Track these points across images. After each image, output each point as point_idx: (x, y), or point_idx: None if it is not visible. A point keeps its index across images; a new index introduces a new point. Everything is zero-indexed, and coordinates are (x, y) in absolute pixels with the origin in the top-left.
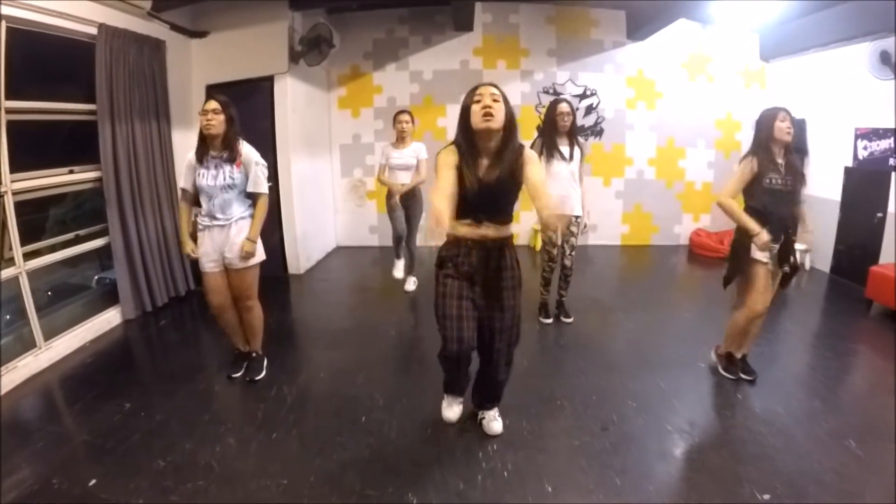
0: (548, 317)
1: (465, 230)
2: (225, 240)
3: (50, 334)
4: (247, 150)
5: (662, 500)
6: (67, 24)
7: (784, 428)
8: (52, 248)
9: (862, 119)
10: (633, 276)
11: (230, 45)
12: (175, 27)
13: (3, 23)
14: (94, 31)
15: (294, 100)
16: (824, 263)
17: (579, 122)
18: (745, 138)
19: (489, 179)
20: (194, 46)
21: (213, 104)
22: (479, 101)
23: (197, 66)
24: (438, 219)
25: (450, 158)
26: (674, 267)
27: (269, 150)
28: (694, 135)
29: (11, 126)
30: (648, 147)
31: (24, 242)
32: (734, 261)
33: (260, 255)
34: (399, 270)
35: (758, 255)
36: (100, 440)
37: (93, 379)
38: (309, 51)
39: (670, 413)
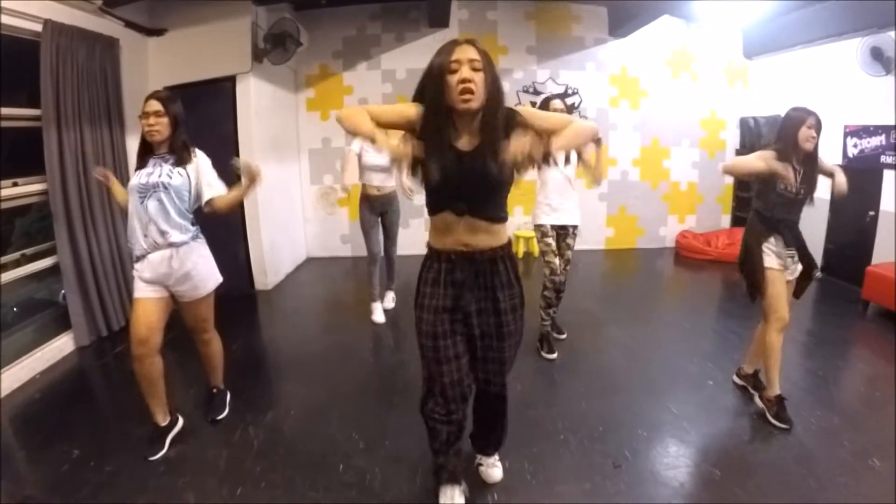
0: (551, 351)
1: (441, 234)
2: (169, 271)
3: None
4: (199, 156)
5: None
6: (9, 20)
7: (806, 452)
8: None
9: (851, 116)
10: (622, 283)
11: (190, 43)
12: (130, 24)
13: None
14: (38, 27)
15: (258, 101)
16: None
17: None
18: (730, 137)
19: (471, 154)
20: (151, 45)
21: (155, 105)
22: (455, 71)
23: (154, 66)
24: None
25: (410, 112)
26: (662, 271)
27: (231, 155)
28: (678, 134)
29: None
30: (632, 147)
31: None
32: (749, 273)
33: (215, 278)
34: (379, 314)
35: (770, 262)
36: (45, 495)
37: (41, 419)
38: (273, 48)
39: (685, 443)
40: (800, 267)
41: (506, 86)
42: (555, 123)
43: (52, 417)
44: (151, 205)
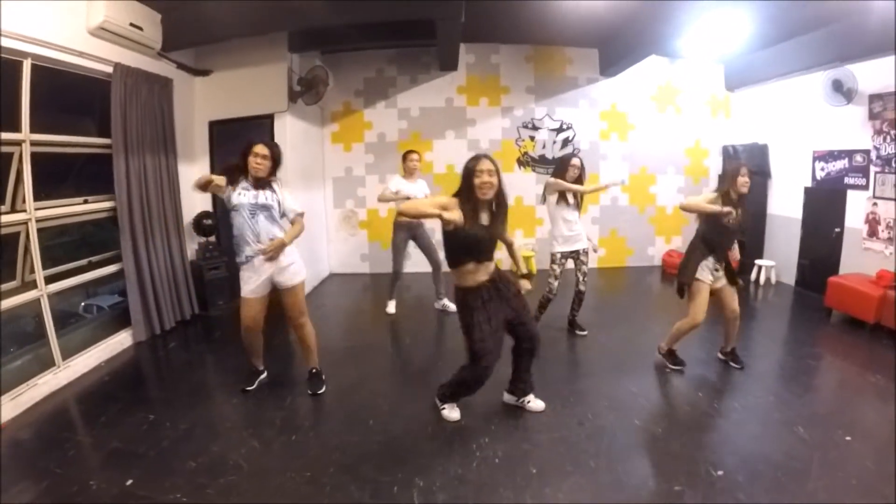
0: None
1: (473, 275)
2: (270, 266)
3: (69, 354)
4: (281, 184)
5: (630, 478)
6: (86, 62)
7: (740, 419)
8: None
9: (819, 142)
10: (610, 296)
11: (232, 83)
12: (181, 66)
13: (29, 60)
14: (109, 69)
15: (293, 136)
16: (789, 277)
17: (556, 153)
18: (713, 164)
19: (489, 230)
20: (198, 84)
21: (263, 149)
22: (479, 176)
23: (200, 102)
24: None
25: (450, 203)
26: (648, 286)
27: None
28: (664, 162)
29: (34, 157)
30: (621, 175)
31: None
32: (682, 275)
33: (304, 272)
34: (391, 308)
35: (703, 275)
36: (131, 446)
37: (113, 395)
38: (306, 91)
39: (638, 410)
40: (724, 280)
41: (507, 122)
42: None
43: (124, 394)
44: (261, 219)
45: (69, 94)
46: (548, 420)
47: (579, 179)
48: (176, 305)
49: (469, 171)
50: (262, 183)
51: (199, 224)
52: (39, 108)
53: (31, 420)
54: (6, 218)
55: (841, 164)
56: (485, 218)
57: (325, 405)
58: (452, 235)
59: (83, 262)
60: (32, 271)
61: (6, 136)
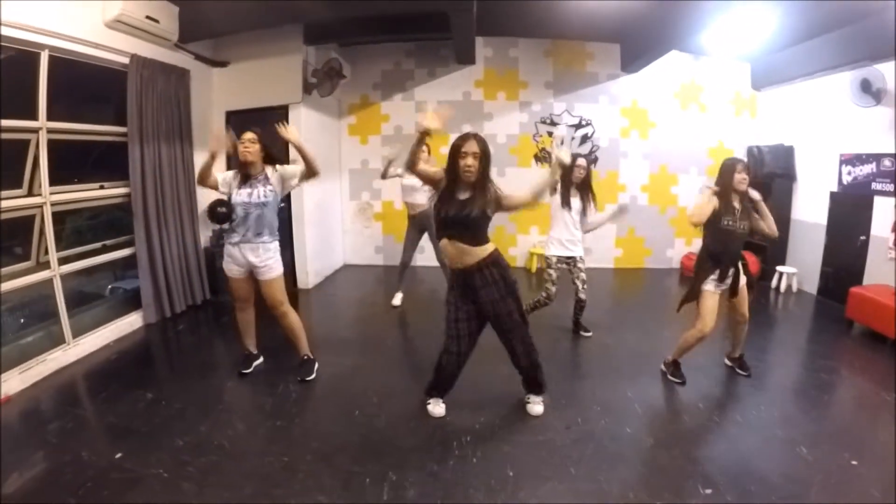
0: None
1: (450, 255)
2: (253, 259)
3: (79, 333)
4: (280, 168)
5: (610, 488)
6: (103, 53)
7: (739, 434)
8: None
9: (846, 145)
10: (623, 298)
11: (249, 74)
12: (199, 57)
13: (47, 51)
14: (126, 60)
15: (307, 127)
16: (811, 285)
17: (575, 150)
18: None
19: (464, 205)
20: (216, 75)
21: (250, 134)
22: (463, 158)
23: (218, 93)
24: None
25: (438, 170)
26: (664, 290)
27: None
28: (686, 162)
29: (52, 144)
30: (641, 174)
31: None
32: (690, 289)
33: (280, 268)
34: (398, 300)
35: (708, 287)
36: (125, 422)
37: (117, 373)
38: (321, 83)
39: (631, 417)
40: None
41: (525, 117)
42: (510, 200)
43: (127, 372)
44: (253, 217)
45: (90, 84)
46: (534, 422)
47: (586, 181)
48: (188, 290)
49: (454, 150)
50: (254, 175)
51: (213, 211)
52: (60, 97)
53: (36, 393)
54: (23, 201)
55: (868, 168)
56: (462, 194)
57: (315, 394)
58: (434, 208)
59: (97, 244)
60: (48, 252)
61: (23, 123)
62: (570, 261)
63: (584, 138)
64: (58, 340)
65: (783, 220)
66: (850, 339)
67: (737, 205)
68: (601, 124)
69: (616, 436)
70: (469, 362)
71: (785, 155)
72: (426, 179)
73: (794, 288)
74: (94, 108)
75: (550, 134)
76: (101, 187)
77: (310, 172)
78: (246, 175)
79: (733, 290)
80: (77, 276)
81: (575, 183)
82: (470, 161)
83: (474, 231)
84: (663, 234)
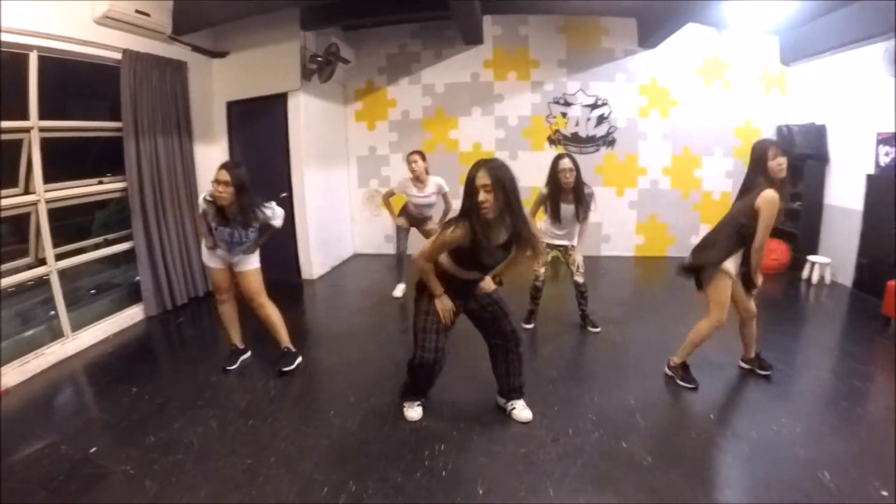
0: (528, 322)
1: (455, 270)
2: (231, 257)
3: (80, 326)
4: (261, 215)
5: None
6: (94, 50)
7: (752, 453)
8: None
9: (883, 123)
10: (641, 289)
11: (248, 63)
12: (196, 48)
13: (35, 52)
14: (118, 56)
15: (307, 115)
16: (846, 277)
17: (591, 132)
18: None
19: (503, 254)
20: (215, 66)
21: (224, 175)
22: (476, 193)
23: (218, 83)
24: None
25: (457, 235)
26: (686, 281)
27: (283, 163)
28: (711, 143)
29: (49, 142)
30: (663, 156)
31: (73, 240)
32: (703, 255)
33: (255, 261)
34: (399, 291)
35: (728, 266)
36: (107, 416)
37: (110, 367)
38: (320, 69)
39: (630, 429)
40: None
41: (537, 97)
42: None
43: (120, 366)
44: (235, 248)
45: (83, 82)
46: (519, 431)
47: (576, 184)
48: (190, 283)
49: (468, 185)
50: (232, 217)
51: None
52: (53, 95)
53: (31, 387)
54: (17, 199)
55: None
56: (502, 237)
57: (294, 391)
58: (464, 249)
59: (99, 239)
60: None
61: (14, 124)
62: (562, 248)
63: (601, 119)
64: (57, 334)
65: (815, 205)
66: (887, 339)
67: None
68: (618, 104)
69: (609, 452)
70: (456, 362)
71: (817, 134)
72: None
73: (828, 279)
74: (93, 104)
75: (564, 115)
76: (100, 182)
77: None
78: (223, 213)
79: (749, 283)
80: (105, 268)
81: (564, 189)
82: (482, 196)
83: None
84: (686, 220)
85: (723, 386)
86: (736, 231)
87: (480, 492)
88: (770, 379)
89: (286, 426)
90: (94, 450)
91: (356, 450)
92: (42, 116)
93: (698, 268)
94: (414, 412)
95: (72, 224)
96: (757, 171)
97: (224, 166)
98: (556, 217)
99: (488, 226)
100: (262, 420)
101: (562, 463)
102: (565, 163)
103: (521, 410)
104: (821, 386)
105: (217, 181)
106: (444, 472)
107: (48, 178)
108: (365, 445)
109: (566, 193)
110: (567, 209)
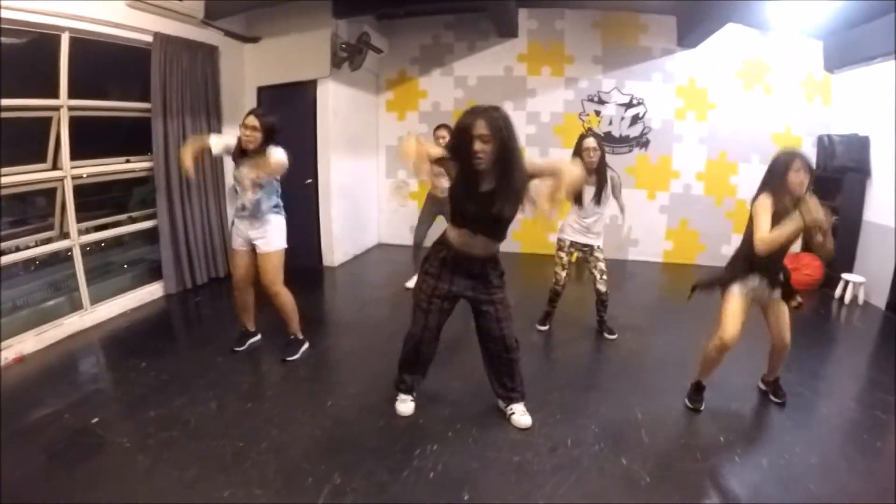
0: (542, 324)
1: (457, 238)
2: (253, 229)
3: (99, 300)
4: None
5: None
6: (126, 33)
7: (760, 485)
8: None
9: None
10: (667, 296)
11: (279, 50)
12: (229, 33)
13: (67, 33)
14: (149, 38)
15: (336, 102)
16: (880, 298)
17: (624, 131)
18: None
19: (490, 202)
20: (247, 51)
21: (253, 120)
22: (471, 143)
23: (249, 68)
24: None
25: (446, 161)
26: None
27: (311, 149)
28: (748, 149)
29: (79, 120)
30: (697, 160)
31: (112, 213)
32: (713, 280)
33: (281, 243)
34: (412, 282)
35: (735, 286)
36: (112, 389)
37: (124, 341)
38: (349, 56)
39: (633, 446)
40: (774, 293)
41: (570, 94)
42: (541, 168)
43: (133, 341)
44: (249, 195)
45: (117, 63)
46: (515, 437)
47: (600, 166)
48: (211, 263)
49: (460, 131)
50: (252, 157)
51: None
52: (87, 75)
53: (46, 355)
54: (45, 174)
55: None
56: (487, 185)
57: (295, 377)
58: (449, 194)
59: (123, 216)
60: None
61: (45, 102)
62: (587, 249)
63: (635, 119)
64: (77, 306)
65: (853, 220)
66: None
67: (789, 206)
68: (654, 104)
69: (607, 467)
70: (458, 361)
71: (859, 146)
72: (436, 172)
73: (861, 300)
74: (125, 84)
75: (598, 113)
76: (128, 161)
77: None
78: (241, 154)
79: (787, 292)
80: (142, 243)
81: (587, 169)
82: (478, 146)
83: (502, 229)
84: (719, 228)
85: (739, 407)
86: (744, 257)
87: (465, 497)
88: (783, 407)
89: (282, 412)
90: (95, 420)
91: (348, 442)
92: (73, 96)
93: (698, 288)
94: (404, 406)
95: (111, 199)
96: (771, 182)
97: (253, 112)
98: (578, 200)
99: (477, 174)
100: (259, 404)
101: (556, 475)
102: (590, 142)
103: (520, 416)
104: (842, 415)
105: (245, 125)
106: (431, 474)
107: (77, 155)
108: (358, 438)
109: (588, 174)
110: (588, 191)
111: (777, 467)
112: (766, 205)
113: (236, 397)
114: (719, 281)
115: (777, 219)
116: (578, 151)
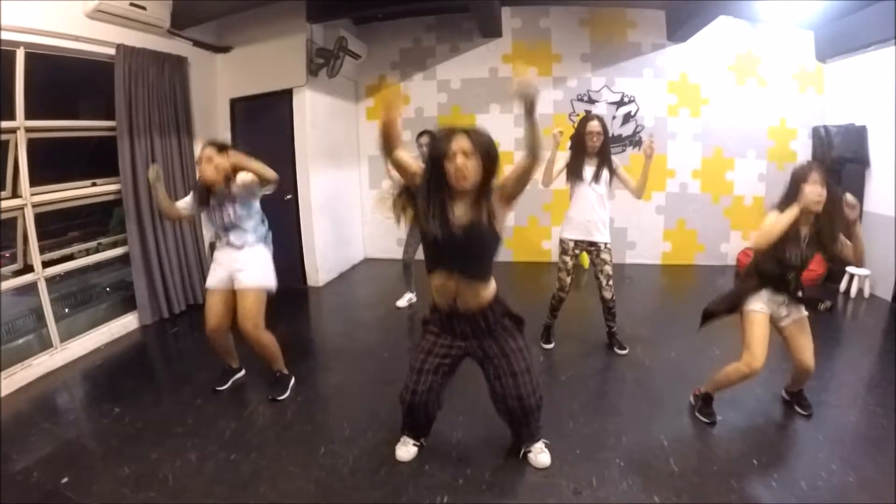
0: (548, 342)
1: (439, 288)
2: (235, 260)
3: (70, 336)
4: (239, 178)
5: None
6: (86, 46)
7: None
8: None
9: None
10: (670, 302)
11: (252, 58)
12: (198, 43)
13: (22, 49)
14: (112, 51)
15: (314, 112)
16: (886, 290)
17: (616, 131)
18: (801, 148)
19: (463, 224)
20: (218, 61)
21: (209, 150)
22: (451, 161)
23: (221, 80)
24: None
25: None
26: (717, 290)
27: (289, 162)
28: (744, 144)
29: (38, 143)
30: (693, 158)
31: (91, 238)
32: (726, 302)
33: (264, 280)
34: (404, 301)
35: (753, 305)
36: (84, 441)
37: (97, 381)
38: (326, 63)
39: (663, 478)
40: (801, 312)
41: (559, 94)
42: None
43: (106, 381)
44: (231, 234)
45: (78, 79)
46: (534, 480)
47: (603, 149)
48: (188, 289)
49: (435, 151)
50: (216, 194)
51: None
52: (45, 94)
53: (14, 401)
54: (4, 203)
55: None
56: (459, 211)
57: (283, 420)
58: (419, 226)
59: (92, 244)
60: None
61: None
62: (592, 248)
63: (627, 117)
64: (45, 344)
65: None
66: None
67: (805, 229)
68: (646, 101)
69: None
70: (468, 397)
71: (856, 136)
72: (399, 170)
73: (866, 293)
74: (83, 103)
75: (588, 112)
76: (94, 184)
77: (263, 180)
78: (206, 195)
79: (810, 303)
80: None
81: (589, 153)
82: (460, 161)
83: (484, 263)
84: (717, 226)
85: (764, 423)
86: (757, 273)
87: None
88: (810, 418)
89: (270, 463)
90: (65, 480)
91: (345, 498)
92: (31, 116)
93: (709, 316)
94: (405, 452)
95: (90, 222)
96: (789, 195)
97: (210, 143)
98: (577, 172)
99: (452, 198)
100: (244, 454)
101: None
102: (594, 125)
103: (537, 455)
104: (869, 424)
105: (200, 158)
106: None
107: (38, 181)
108: (355, 492)
109: (591, 157)
110: (589, 169)
111: (816, 488)
112: (776, 214)
113: (218, 446)
114: (732, 302)
115: (781, 239)
116: (580, 135)
